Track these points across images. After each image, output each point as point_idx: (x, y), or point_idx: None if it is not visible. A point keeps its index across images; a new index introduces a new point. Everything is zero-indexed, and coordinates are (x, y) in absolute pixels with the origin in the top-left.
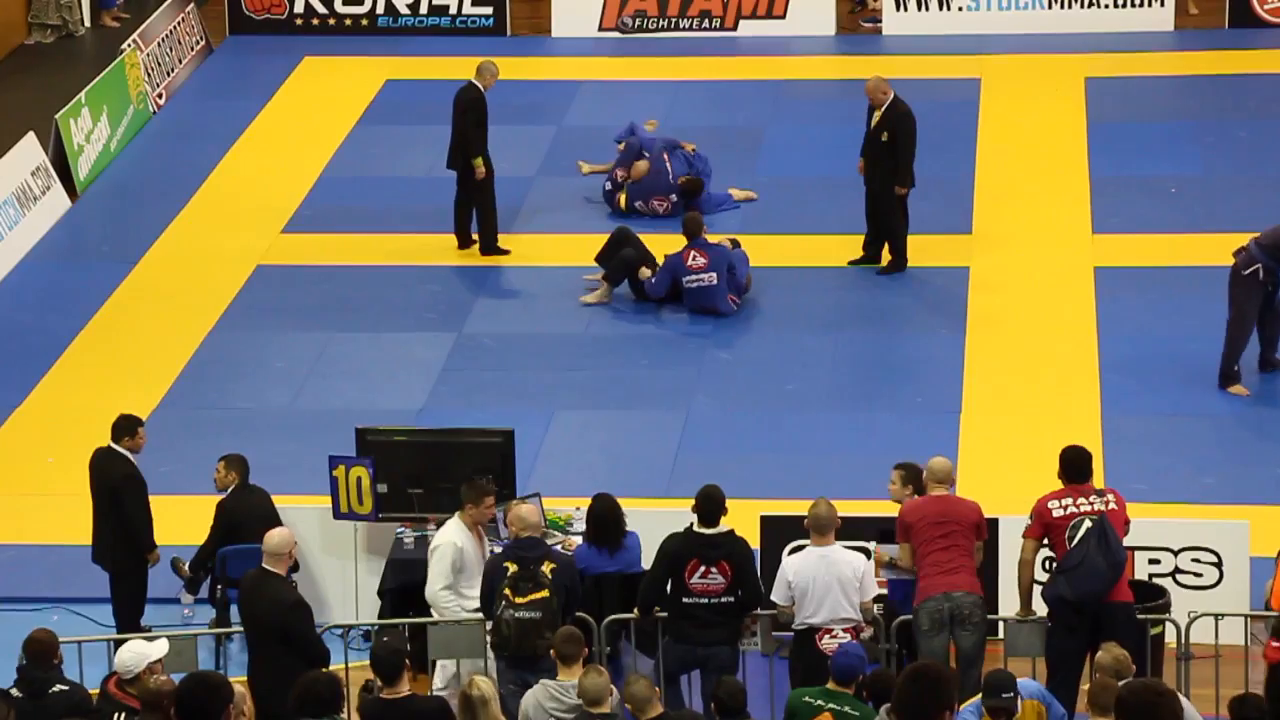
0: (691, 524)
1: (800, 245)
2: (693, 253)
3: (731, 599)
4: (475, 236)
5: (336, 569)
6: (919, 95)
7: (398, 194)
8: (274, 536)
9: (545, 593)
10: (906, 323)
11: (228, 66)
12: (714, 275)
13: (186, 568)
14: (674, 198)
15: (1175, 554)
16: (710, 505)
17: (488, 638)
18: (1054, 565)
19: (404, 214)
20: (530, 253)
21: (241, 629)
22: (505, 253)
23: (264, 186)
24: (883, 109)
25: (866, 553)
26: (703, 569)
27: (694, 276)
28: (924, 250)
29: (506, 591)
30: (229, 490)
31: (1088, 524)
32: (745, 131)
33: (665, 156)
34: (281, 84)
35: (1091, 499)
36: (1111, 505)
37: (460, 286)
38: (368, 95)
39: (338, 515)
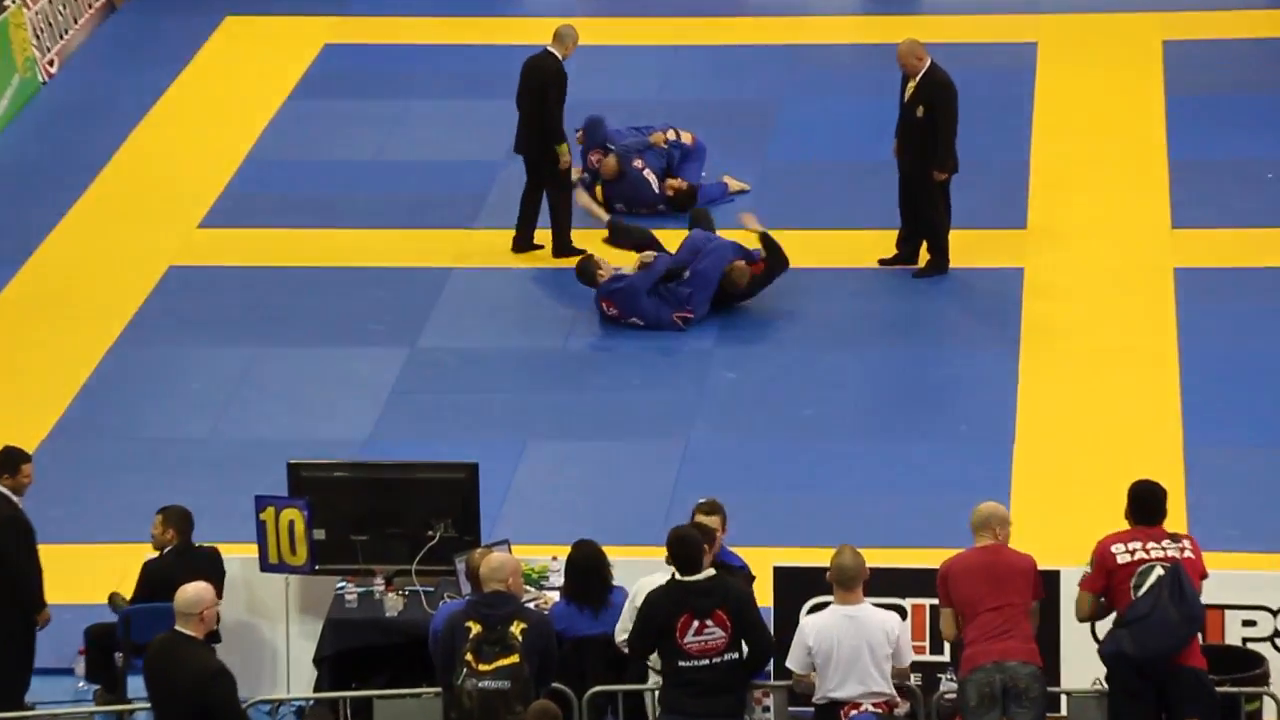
0: (672, 574)
1: (821, 243)
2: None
3: (736, 655)
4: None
5: (264, 632)
6: (963, 62)
7: (339, 181)
8: (186, 592)
9: (514, 658)
10: (948, 336)
11: (133, 27)
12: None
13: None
14: (661, 208)
15: (1275, 614)
16: (686, 549)
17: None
18: (1115, 618)
19: (346, 205)
20: (498, 251)
21: (148, 705)
22: (582, 253)
23: (177, 172)
24: (917, 78)
25: (902, 611)
26: (697, 624)
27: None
28: (970, 248)
29: (468, 657)
30: (163, 551)
31: (1159, 571)
32: (755, 106)
33: (640, 164)
34: (198, 49)
35: (1164, 544)
36: (1188, 553)
37: (413, 292)
38: (302, 62)
39: (266, 567)
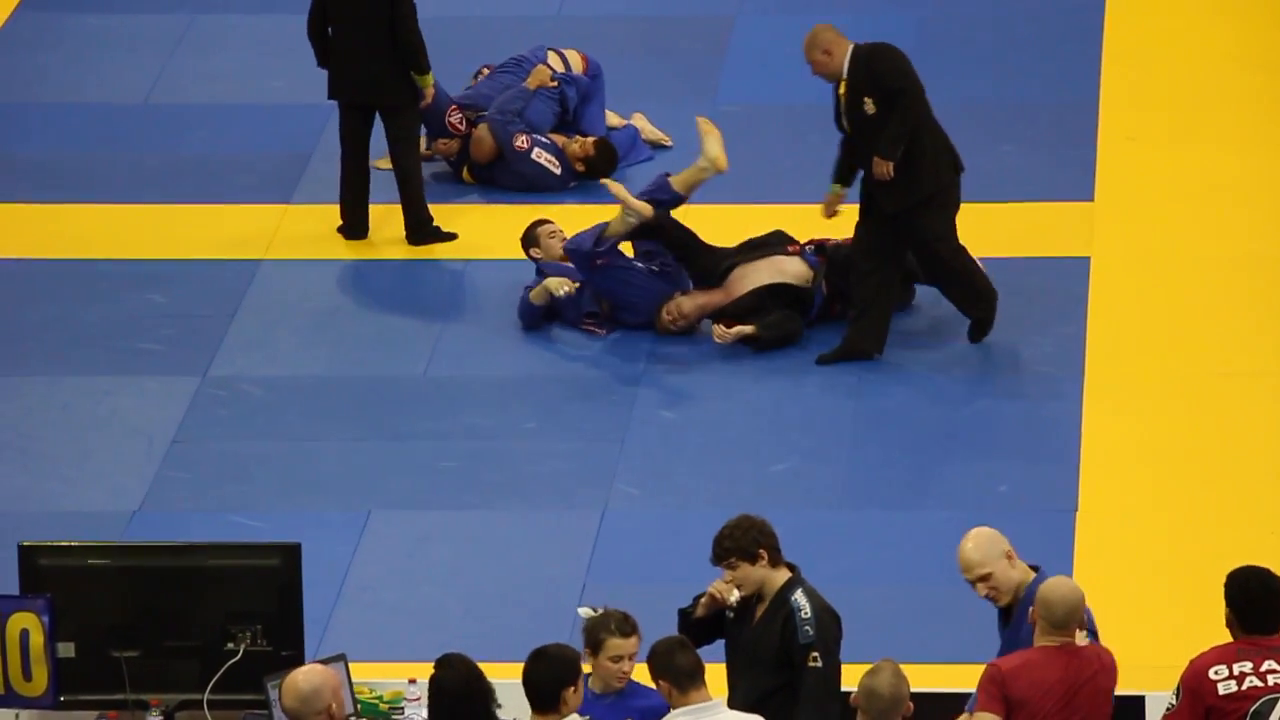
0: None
1: (792, 222)
2: None
3: None
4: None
5: None
6: None
7: (91, 136)
8: None
9: None
10: (976, 357)
11: None
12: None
13: None
14: (573, 185)
15: None
16: (543, 674)
17: None
18: None
19: (104, 171)
20: (325, 237)
21: None
22: (449, 236)
23: None
24: (845, 74)
25: None
26: None
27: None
28: (1016, 228)
29: None
30: None
31: None
32: (698, 25)
33: (524, 143)
34: None
35: None
36: None
37: (204, 296)
38: None
39: None
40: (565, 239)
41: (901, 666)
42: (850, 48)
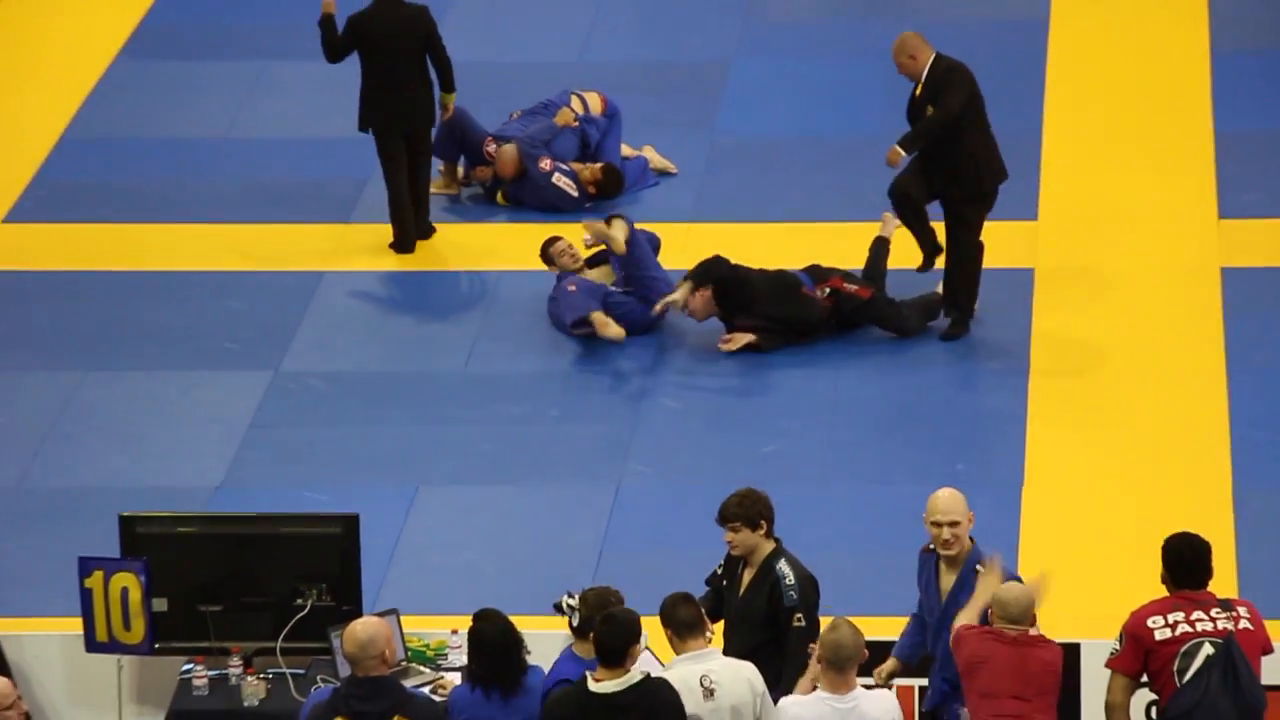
0: (585, 675)
1: (782, 239)
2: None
3: None
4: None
5: None
6: (957, 14)
7: (180, 165)
8: None
9: None
10: (941, 354)
11: None
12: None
13: None
14: (588, 206)
15: None
16: (615, 636)
17: None
18: (1156, 711)
19: (190, 195)
20: (381, 250)
21: None
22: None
23: None
24: (922, 78)
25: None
26: None
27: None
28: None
29: None
30: None
31: (1208, 649)
32: (698, 69)
33: (547, 165)
34: None
35: (1213, 613)
36: (1244, 623)
37: (276, 301)
38: (132, 15)
39: (93, 646)
40: (574, 255)
41: (866, 618)
42: (933, 56)
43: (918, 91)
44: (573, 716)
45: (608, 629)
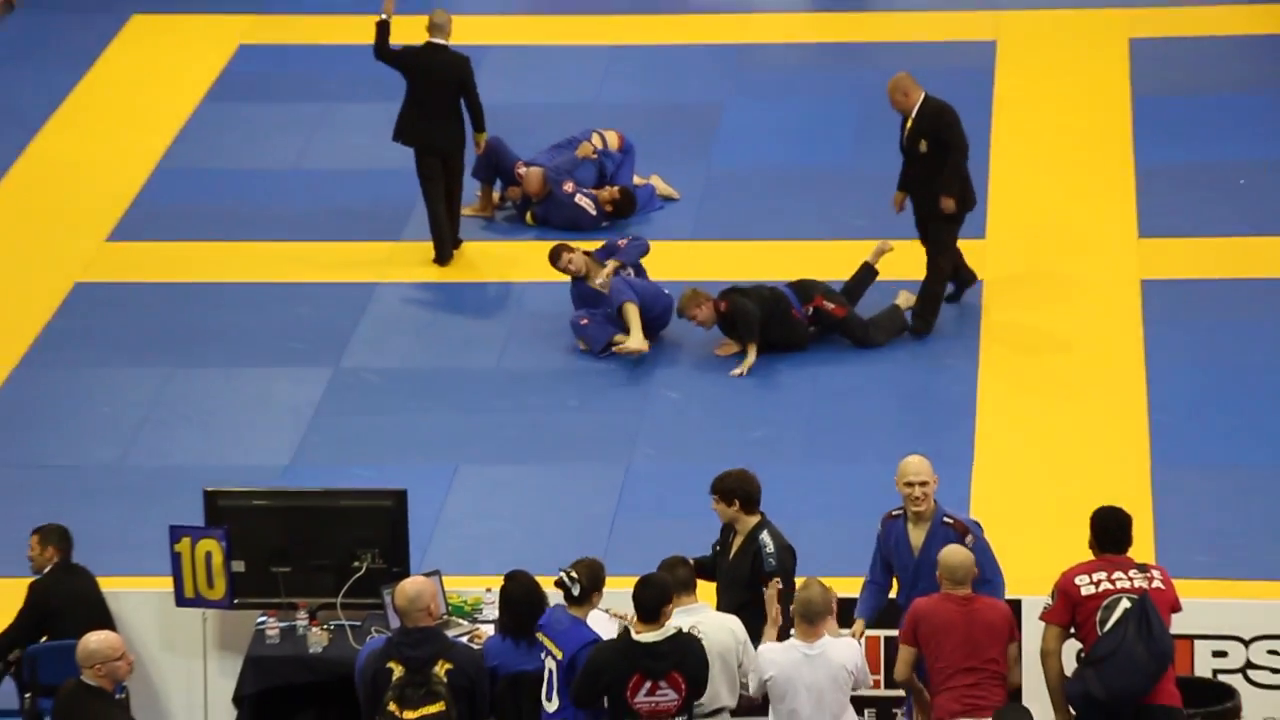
0: (626, 629)
1: (767, 255)
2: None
3: (686, 717)
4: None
5: (180, 669)
6: (917, 62)
7: (256, 191)
8: (89, 642)
9: (439, 705)
10: (903, 353)
11: (33, 27)
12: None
13: None
14: (605, 225)
15: (1246, 644)
16: (651, 596)
17: None
18: (1083, 655)
19: (264, 217)
20: (426, 264)
21: None
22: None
23: (82, 183)
24: (912, 114)
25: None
26: (649, 684)
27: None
28: (922, 261)
29: (391, 706)
30: (46, 570)
31: (1125, 604)
32: (697, 110)
33: (570, 187)
34: (104, 50)
35: (1131, 574)
36: (1156, 583)
37: (336, 308)
38: (216, 64)
39: (182, 601)
40: (576, 268)
41: (836, 578)
42: (922, 96)
43: (908, 125)
44: (619, 661)
45: (647, 591)
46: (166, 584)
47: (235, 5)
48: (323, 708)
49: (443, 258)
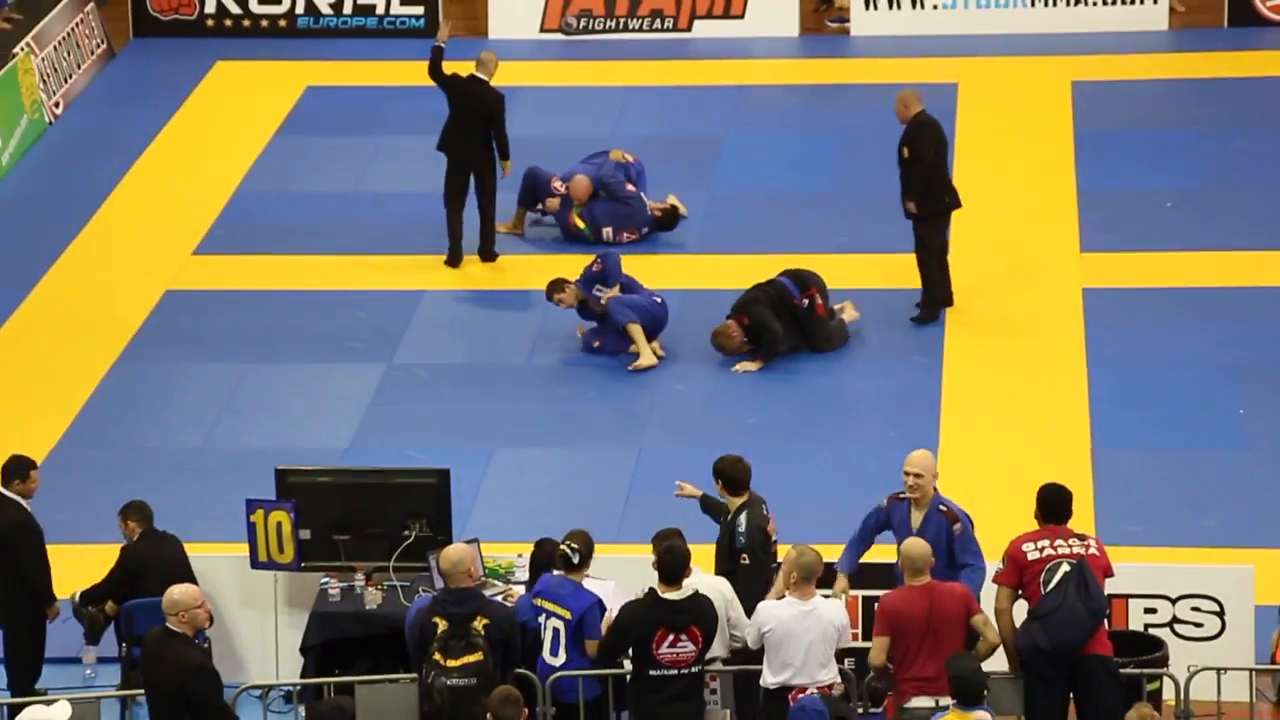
0: (651, 588)
1: (761, 266)
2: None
3: (700, 667)
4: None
5: (255, 623)
6: (889, 101)
7: (319, 211)
8: (173, 593)
9: (478, 655)
10: (878, 351)
11: (132, 72)
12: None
13: (76, 597)
14: (646, 230)
15: (1173, 602)
16: (675, 562)
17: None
18: (1028, 611)
19: (328, 233)
20: (468, 274)
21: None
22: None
23: (173, 204)
24: (905, 126)
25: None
26: (671, 638)
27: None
28: (895, 272)
29: (436, 656)
30: (134, 539)
31: (1065, 568)
32: (700, 142)
33: (633, 188)
34: (191, 91)
35: (1070, 542)
36: (1093, 550)
37: (389, 313)
38: (286, 103)
39: (256, 564)
40: (569, 304)
41: (823, 544)
42: (918, 110)
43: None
44: (647, 616)
45: (670, 558)
46: (243, 549)
47: (304, 53)
48: (377, 656)
49: (453, 260)
